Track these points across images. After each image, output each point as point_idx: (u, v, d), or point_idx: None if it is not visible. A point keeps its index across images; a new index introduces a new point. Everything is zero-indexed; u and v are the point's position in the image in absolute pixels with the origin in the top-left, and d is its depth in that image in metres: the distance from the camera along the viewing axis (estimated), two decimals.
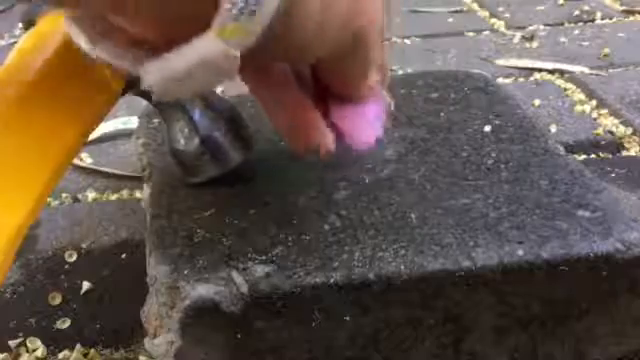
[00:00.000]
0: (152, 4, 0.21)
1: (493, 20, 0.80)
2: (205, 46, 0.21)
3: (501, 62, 0.67)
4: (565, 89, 0.61)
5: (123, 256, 0.41)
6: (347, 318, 0.27)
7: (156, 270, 0.28)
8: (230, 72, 0.22)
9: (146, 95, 0.29)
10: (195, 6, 0.21)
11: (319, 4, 0.22)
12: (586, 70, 0.64)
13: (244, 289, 0.26)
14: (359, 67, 0.28)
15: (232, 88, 0.45)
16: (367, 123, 0.31)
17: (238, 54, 0.21)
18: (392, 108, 0.32)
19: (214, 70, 0.22)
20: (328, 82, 0.29)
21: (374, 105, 0.32)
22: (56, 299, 0.38)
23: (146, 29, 0.23)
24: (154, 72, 0.22)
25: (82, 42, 0.24)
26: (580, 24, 0.77)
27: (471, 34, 0.76)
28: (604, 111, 0.56)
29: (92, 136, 0.54)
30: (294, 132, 0.29)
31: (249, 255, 0.28)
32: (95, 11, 0.24)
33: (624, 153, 0.51)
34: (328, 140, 0.29)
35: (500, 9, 0.84)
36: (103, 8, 0.22)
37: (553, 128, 0.53)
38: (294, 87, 0.29)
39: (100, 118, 0.28)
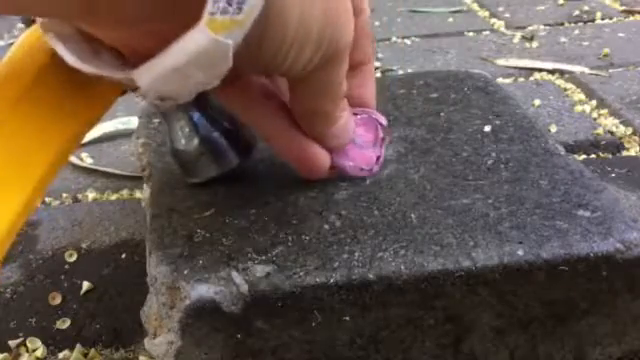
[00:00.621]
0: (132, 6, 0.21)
1: (493, 20, 0.80)
2: (195, 39, 0.20)
3: (501, 62, 0.67)
4: (565, 89, 0.61)
5: (123, 256, 0.41)
6: (347, 318, 0.27)
7: (156, 270, 0.28)
8: (224, 63, 0.22)
9: (132, 83, 0.29)
10: (176, 6, 0.21)
11: (302, 1, 0.22)
12: (586, 70, 0.64)
13: (244, 289, 0.26)
14: (330, 89, 0.28)
15: None
16: (360, 150, 0.32)
17: (230, 42, 0.21)
18: (385, 124, 0.33)
19: (207, 62, 0.21)
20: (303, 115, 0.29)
21: (367, 128, 0.33)
22: (56, 299, 0.38)
23: (123, 38, 0.23)
24: (145, 74, 0.22)
25: (72, 60, 0.23)
26: (580, 24, 0.77)
27: (471, 34, 0.76)
28: (604, 111, 0.56)
29: (92, 136, 0.55)
30: (294, 161, 0.30)
31: (249, 255, 0.28)
32: (66, 18, 0.23)
33: (624, 153, 0.51)
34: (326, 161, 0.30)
35: (500, 9, 0.84)
36: (73, 15, 0.22)
37: (553, 128, 0.53)
38: (286, 118, 0.29)
39: (96, 120, 0.28)
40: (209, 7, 0.20)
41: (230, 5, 0.20)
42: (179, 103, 0.24)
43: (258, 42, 0.22)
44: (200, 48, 0.21)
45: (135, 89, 0.23)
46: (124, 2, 0.20)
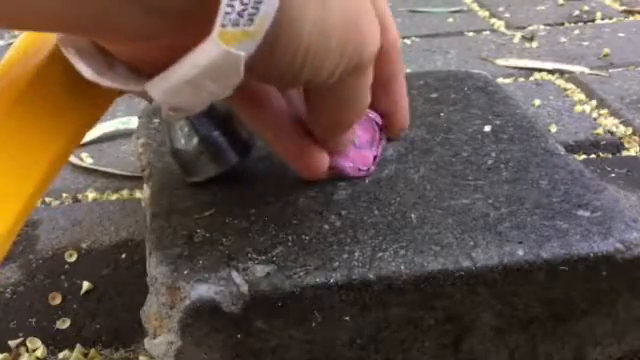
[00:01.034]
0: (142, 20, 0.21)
1: (493, 20, 0.80)
2: (206, 51, 0.20)
3: (501, 62, 0.67)
4: (565, 89, 0.61)
5: (123, 256, 0.41)
6: (347, 318, 0.27)
7: (156, 270, 0.28)
8: (236, 74, 0.22)
9: (146, 95, 0.29)
10: (187, 20, 0.21)
11: (317, 11, 0.22)
12: (586, 70, 0.64)
13: (244, 289, 0.26)
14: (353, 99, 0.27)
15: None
16: (358, 151, 0.32)
17: (242, 54, 0.21)
18: (382, 124, 0.33)
19: (218, 74, 0.21)
20: (316, 116, 0.29)
21: (364, 128, 0.33)
22: (56, 299, 0.38)
23: (134, 51, 0.23)
24: (158, 87, 0.22)
25: (88, 74, 0.24)
26: (580, 24, 0.77)
27: (471, 34, 0.76)
28: (604, 111, 0.56)
29: (92, 136, 0.55)
30: (293, 162, 0.30)
31: (249, 255, 0.28)
32: (78, 34, 0.24)
33: (624, 153, 0.51)
34: (325, 162, 0.30)
35: (500, 9, 0.84)
36: (84, 30, 0.22)
37: (553, 128, 0.53)
38: (287, 119, 0.29)
39: (95, 120, 0.28)
40: (220, 19, 0.20)
41: (241, 17, 0.20)
42: (192, 114, 0.24)
43: (271, 49, 0.22)
44: (211, 60, 0.21)
45: (150, 101, 0.23)
46: (130, 19, 0.20)
